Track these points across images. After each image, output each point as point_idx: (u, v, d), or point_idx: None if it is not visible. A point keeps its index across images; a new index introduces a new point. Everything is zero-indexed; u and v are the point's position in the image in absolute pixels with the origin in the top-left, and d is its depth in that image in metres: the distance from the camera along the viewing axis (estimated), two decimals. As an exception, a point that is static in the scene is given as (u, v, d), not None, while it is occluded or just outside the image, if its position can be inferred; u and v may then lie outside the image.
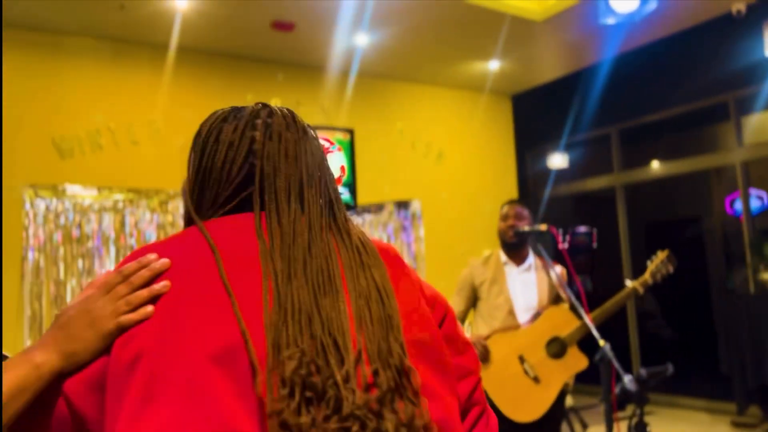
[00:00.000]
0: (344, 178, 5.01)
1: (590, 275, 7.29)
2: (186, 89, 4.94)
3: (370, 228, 5.39)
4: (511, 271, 3.14)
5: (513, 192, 6.58)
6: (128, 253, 1.26)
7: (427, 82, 6.08)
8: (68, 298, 4.30)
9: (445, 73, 5.86)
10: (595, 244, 7.60)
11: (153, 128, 4.80)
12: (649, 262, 3.00)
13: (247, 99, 5.04)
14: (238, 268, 0.82)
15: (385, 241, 5.36)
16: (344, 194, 5.33)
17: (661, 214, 7.57)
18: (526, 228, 3.08)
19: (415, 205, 5.41)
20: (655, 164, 6.36)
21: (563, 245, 3.12)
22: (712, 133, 6.36)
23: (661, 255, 2.99)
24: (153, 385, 0.73)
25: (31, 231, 4.28)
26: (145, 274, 0.83)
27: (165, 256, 0.85)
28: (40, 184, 4.33)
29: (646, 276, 2.97)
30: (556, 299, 3.12)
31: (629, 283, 2.99)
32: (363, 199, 5.43)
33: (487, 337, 2.92)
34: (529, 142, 6.81)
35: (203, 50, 4.99)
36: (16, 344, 4.00)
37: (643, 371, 2.86)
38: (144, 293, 0.81)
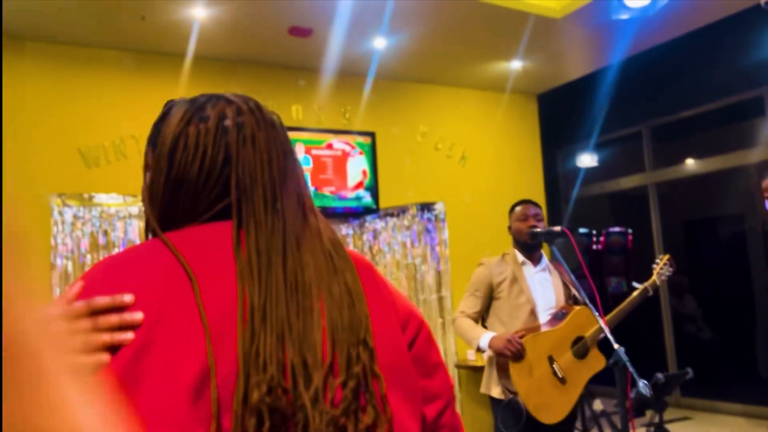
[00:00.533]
0: (366, 182, 5.02)
1: (626, 276, 7.13)
2: (207, 97, 5.01)
3: (393, 231, 5.37)
4: (529, 271, 3.13)
5: (540, 193, 6.48)
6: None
7: (450, 84, 6.04)
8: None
9: (467, 74, 5.81)
10: (630, 245, 7.43)
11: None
12: (654, 266, 3.15)
13: (270, 105, 5.08)
14: (212, 287, 0.80)
15: (408, 243, 5.35)
16: (366, 198, 5.33)
17: (698, 213, 7.35)
18: (540, 229, 3.06)
19: (439, 208, 5.37)
20: (690, 161, 6.19)
21: (577, 246, 3.09)
22: (747, 128, 6.15)
23: (663, 258, 3.19)
24: (115, 411, 0.72)
25: (59, 239, 4.39)
26: (113, 321, 0.76)
27: (137, 274, 0.81)
28: (67, 193, 4.45)
29: (654, 278, 3.09)
30: (570, 299, 3.12)
31: (638, 284, 3.03)
32: (385, 202, 5.42)
33: (522, 336, 2.89)
34: (557, 141, 6.70)
35: (223, 58, 5.05)
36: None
37: (659, 376, 2.78)
38: (106, 339, 0.75)
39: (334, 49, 4.90)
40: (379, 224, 5.37)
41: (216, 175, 0.88)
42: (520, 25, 4.76)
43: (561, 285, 3.13)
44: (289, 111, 5.27)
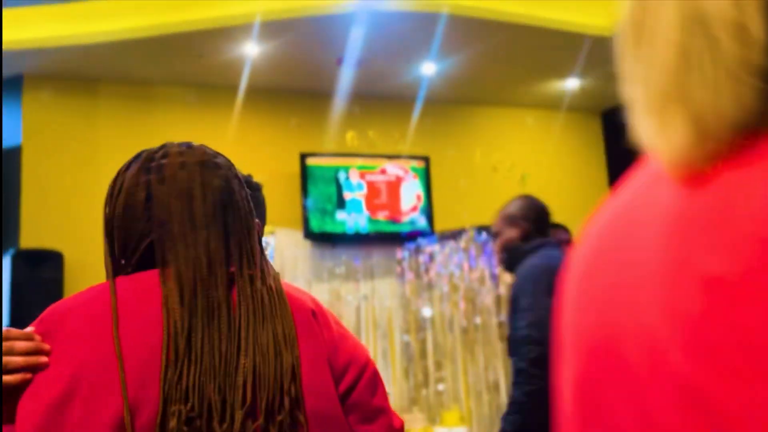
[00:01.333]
0: (420, 206, 5.02)
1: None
2: (266, 126, 5.22)
3: (450, 254, 5.35)
4: None
5: (607, 212, 6.25)
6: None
7: (503, 104, 5.98)
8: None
9: (521, 94, 5.75)
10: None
11: (238, 167, 5.09)
12: None
13: (324, 133, 5.27)
14: (141, 330, 0.85)
15: (465, 266, 5.29)
16: (421, 221, 5.34)
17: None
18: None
19: (498, 230, 5.30)
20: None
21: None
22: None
23: None
24: None
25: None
26: (28, 346, 0.83)
27: (73, 319, 0.87)
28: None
29: None
30: None
31: None
32: (440, 225, 5.41)
33: None
34: (625, 159, 6.41)
35: (277, 89, 5.24)
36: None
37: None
38: (19, 361, 0.81)
39: (383, 77, 5.00)
40: (435, 248, 5.36)
41: (139, 214, 0.93)
42: (573, 45, 4.69)
43: None
44: (344, 138, 5.39)
